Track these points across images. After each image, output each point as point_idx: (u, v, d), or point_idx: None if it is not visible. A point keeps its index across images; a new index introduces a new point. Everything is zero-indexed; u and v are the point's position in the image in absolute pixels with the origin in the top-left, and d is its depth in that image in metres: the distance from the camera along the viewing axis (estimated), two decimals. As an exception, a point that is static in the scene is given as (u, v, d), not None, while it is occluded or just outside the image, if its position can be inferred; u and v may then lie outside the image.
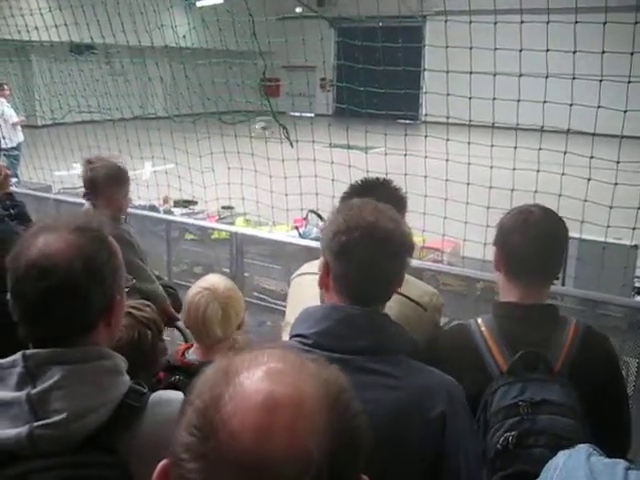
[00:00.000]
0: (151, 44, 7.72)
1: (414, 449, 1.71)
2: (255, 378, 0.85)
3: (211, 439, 0.80)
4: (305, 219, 6.32)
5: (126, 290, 1.68)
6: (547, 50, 4.70)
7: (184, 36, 7.66)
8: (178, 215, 7.26)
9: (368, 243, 1.76)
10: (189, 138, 7.53)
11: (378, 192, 2.57)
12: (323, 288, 1.88)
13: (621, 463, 1.49)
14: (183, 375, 2.71)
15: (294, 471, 0.79)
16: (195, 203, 7.96)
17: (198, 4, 15.12)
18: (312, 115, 11.12)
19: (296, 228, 6.14)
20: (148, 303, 2.65)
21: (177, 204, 7.95)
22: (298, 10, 26.51)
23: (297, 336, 1.81)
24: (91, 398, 1.43)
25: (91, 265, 1.48)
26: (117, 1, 7.39)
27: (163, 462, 0.87)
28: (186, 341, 3.58)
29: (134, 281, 1.88)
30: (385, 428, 1.68)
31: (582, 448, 1.57)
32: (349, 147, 6.36)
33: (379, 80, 7.17)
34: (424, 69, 20.23)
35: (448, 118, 5.37)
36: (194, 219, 7.06)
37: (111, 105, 8.35)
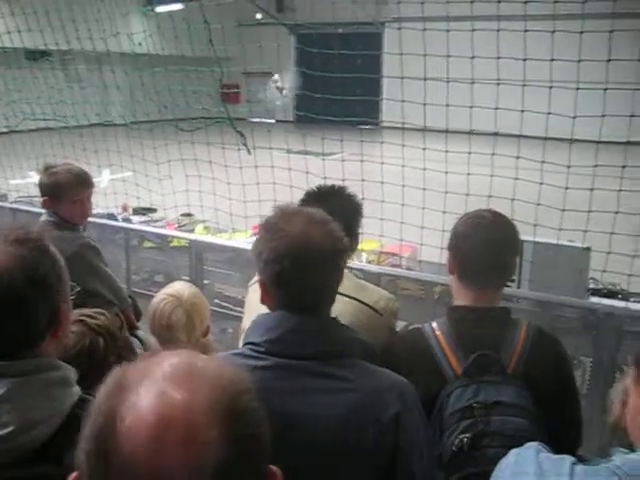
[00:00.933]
0: (107, 51, 7.64)
1: (369, 450, 1.73)
2: (148, 393, 0.85)
3: (106, 459, 0.81)
4: (264, 225, 6.29)
5: (72, 297, 1.66)
6: (498, 57, 4.80)
7: (140, 43, 7.60)
8: (137, 223, 7.19)
9: (300, 266, 1.78)
10: (146, 145, 7.47)
11: (333, 199, 2.60)
12: (266, 304, 1.90)
13: (568, 459, 1.54)
14: None
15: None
16: (154, 211, 7.88)
17: (158, 9, 15.02)
18: (273, 121, 11.12)
19: (255, 235, 6.12)
20: (103, 311, 2.63)
21: (136, 212, 7.87)
22: (258, 16, 26.58)
23: (249, 344, 1.83)
24: (39, 410, 1.41)
25: (34, 276, 1.46)
26: (71, 8, 7.30)
27: (72, 475, 0.88)
28: (145, 350, 3.57)
29: (78, 288, 1.87)
30: (339, 430, 1.70)
31: (531, 446, 1.62)
32: (306, 153, 6.38)
33: (338, 86, 7.21)
34: (382, 76, 20.53)
35: (404, 124, 5.42)
36: (153, 227, 7.00)
37: (67, 112, 8.24)
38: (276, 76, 20.01)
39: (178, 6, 11.92)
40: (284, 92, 27.58)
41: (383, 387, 1.81)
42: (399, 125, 6.03)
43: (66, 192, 3.88)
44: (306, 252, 1.78)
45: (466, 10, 5.45)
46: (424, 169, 5.43)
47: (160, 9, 14.75)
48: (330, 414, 1.72)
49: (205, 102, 8.35)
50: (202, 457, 0.82)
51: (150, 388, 0.85)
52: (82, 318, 2.43)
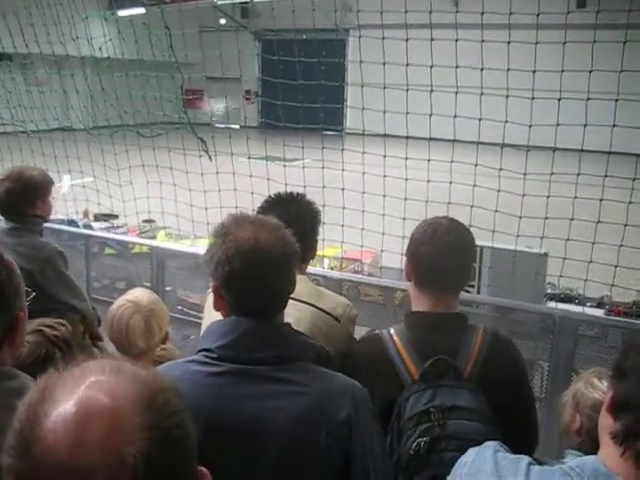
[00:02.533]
0: (66, 55, 7.55)
1: (323, 453, 1.75)
2: (68, 394, 0.87)
3: (28, 458, 0.83)
4: (227, 232, 6.28)
5: (27, 303, 1.64)
6: (456, 67, 4.88)
7: (100, 48, 7.52)
8: (98, 229, 7.12)
9: (250, 267, 1.81)
10: (107, 151, 7.40)
11: (291, 206, 2.61)
12: (220, 311, 1.91)
13: (525, 459, 1.56)
14: None
15: (110, 478, 0.82)
16: (116, 217, 7.80)
17: (120, 13, 14.85)
18: (237, 127, 11.07)
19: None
20: (64, 322, 2.61)
21: (97, 218, 7.78)
22: (222, 21, 26.50)
23: (202, 350, 1.83)
24: None
25: None
26: (30, 11, 7.20)
27: None
28: None
29: (34, 294, 1.84)
30: (293, 434, 1.72)
31: (489, 445, 1.64)
32: (267, 159, 6.39)
33: (303, 92, 7.23)
34: (345, 83, 20.61)
35: (364, 131, 5.47)
36: (114, 233, 6.93)
37: (25, 117, 8.11)
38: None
39: (140, 10, 11.81)
40: (251, 99, 27.56)
41: (335, 390, 1.83)
42: (360, 132, 6.07)
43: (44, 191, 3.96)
44: (255, 253, 1.80)
45: (426, 18, 5.51)
46: (384, 176, 5.48)
47: (122, 13, 14.62)
48: (283, 418, 1.75)
49: (167, 108, 8.30)
50: (123, 449, 0.83)
51: (71, 391, 0.88)
52: (40, 328, 2.41)
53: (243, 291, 1.83)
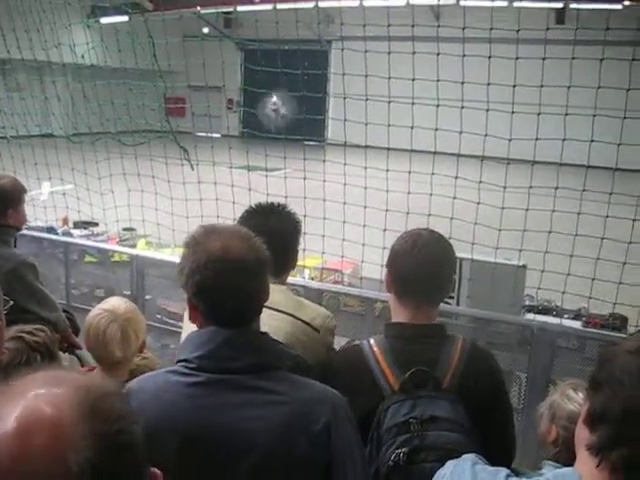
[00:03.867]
0: (48, 61, 7.51)
1: (302, 461, 1.76)
2: (10, 408, 0.88)
3: None
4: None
5: (5, 312, 1.64)
6: (438, 80, 4.93)
7: (82, 55, 7.49)
8: (78, 237, 7.07)
9: (221, 275, 1.81)
10: (88, 159, 7.36)
11: (272, 217, 2.62)
12: (195, 322, 1.92)
13: (503, 471, 1.58)
14: None
15: None
16: (96, 225, 7.76)
17: (103, 21, 14.80)
18: (219, 136, 11.05)
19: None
20: (43, 328, 2.60)
21: (77, 226, 7.74)
22: (205, 30, 26.49)
23: (181, 361, 1.84)
24: None
25: None
26: (11, 17, 7.16)
27: None
28: (82, 366, 3.53)
29: (12, 302, 1.84)
30: (272, 443, 1.73)
31: (468, 458, 1.65)
32: (249, 169, 6.40)
33: (285, 102, 7.26)
34: (327, 93, 20.73)
35: (345, 143, 5.50)
36: (94, 241, 6.89)
37: (5, 123, 8.06)
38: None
39: (123, 18, 11.80)
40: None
41: (313, 399, 1.84)
42: (342, 143, 6.10)
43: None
44: (226, 261, 1.81)
45: (408, 31, 5.57)
46: (365, 187, 5.51)
47: (105, 21, 14.57)
48: (262, 427, 1.75)
49: (149, 116, 8.28)
50: (67, 458, 0.84)
51: (14, 402, 0.88)
52: (20, 335, 2.41)
53: (216, 300, 1.84)
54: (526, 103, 5.13)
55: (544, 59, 4.75)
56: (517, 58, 4.67)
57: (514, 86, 4.63)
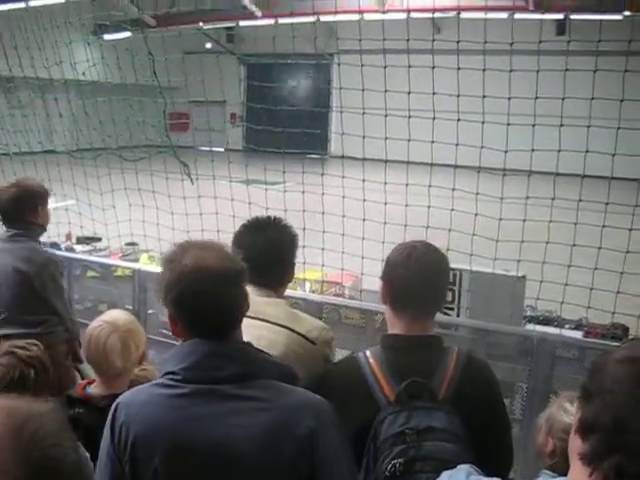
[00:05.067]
0: (50, 79, 7.59)
1: (287, 467, 1.79)
2: None
3: None
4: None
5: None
6: (434, 93, 4.98)
7: (83, 73, 7.56)
8: (80, 252, 7.10)
9: (197, 286, 1.85)
10: (90, 174, 7.41)
11: (269, 230, 2.65)
12: (178, 337, 1.96)
13: None
14: (83, 408, 2.74)
15: None
16: (99, 240, 7.80)
17: (106, 37, 14.91)
18: (222, 150, 11.08)
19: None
20: (36, 342, 2.63)
21: (80, 241, 7.77)
22: (208, 45, 26.66)
23: (167, 374, 1.88)
24: None
25: None
26: (13, 34, 7.25)
27: None
28: (83, 379, 3.56)
29: (5, 314, 1.88)
30: (257, 449, 1.76)
31: (462, 468, 1.67)
32: (248, 182, 6.44)
33: (288, 116, 7.32)
34: (330, 107, 20.78)
35: (343, 155, 5.55)
36: (97, 256, 6.92)
37: (8, 140, 8.13)
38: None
39: (125, 34, 11.90)
40: (236, 123, 27.67)
41: (298, 404, 1.87)
42: (345, 156, 6.15)
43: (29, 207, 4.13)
44: (199, 272, 1.85)
45: (408, 44, 5.63)
46: (364, 200, 5.55)
47: (109, 36, 14.68)
48: (247, 434, 1.78)
49: (150, 131, 8.35)
50: None
51: None
52: (12, 350, 2.44)
53: (194, 311, 1.88)
54: (522, 113, 5.18)
55: (538, 71, 4.80)
56: (511, 70, 4.72)
57: (509, 98, 4.68)
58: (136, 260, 6.70)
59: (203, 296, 1.85)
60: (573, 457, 1.46)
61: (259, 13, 22.63)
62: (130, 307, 5.59)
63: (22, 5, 9.59)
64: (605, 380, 1.40)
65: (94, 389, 2.89)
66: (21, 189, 4.10)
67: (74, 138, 9.06)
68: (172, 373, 1.86)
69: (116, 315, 2.99)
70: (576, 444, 1.45)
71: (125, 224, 6.70)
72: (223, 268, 1.87)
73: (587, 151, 4.92)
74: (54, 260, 4.29)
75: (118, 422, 1.88)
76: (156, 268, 6.08)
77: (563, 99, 4.87)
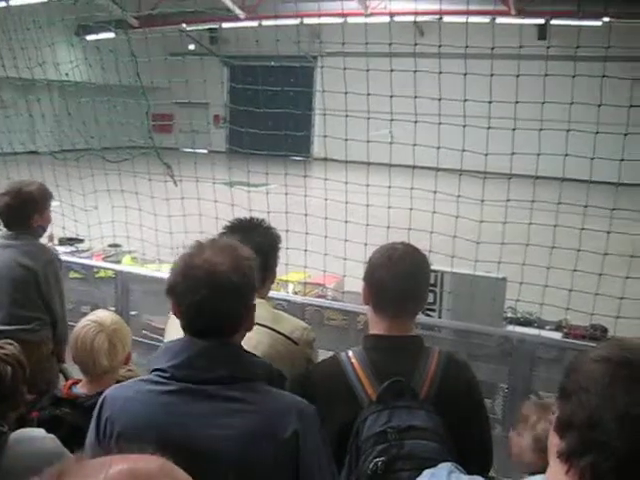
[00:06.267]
0: (33, 79, 7.54)
1: (270, 469, 1.82)
2: None
3: None
4: (193, 256, 6.32)
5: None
6: (415, 97, 5.02)
7: (67, 73, 7.52)
8: (63, 253, 7.06)
9: (190, 284, 1.89)
10: (72, 176, 7.38)
11: (251, 232, 2.67)
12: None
13: (477, 479, 1.62)
14: (68, 407, 2.75)
15: None
16: (81, 241, 7.76)
17: (89, 38, 14.83)
18: (205, 152, 11.06)
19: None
20: (11, 342, 2.63)
21: (62, 242, 7.72)
22: (191, 47, 26.56)
23: (156, 370, 1.89)
24: None
25: None
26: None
27: None
28: (67, 380, 3.56)
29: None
30: (241, 450, 1.78)
31: (444, 466, 1.70)
32: (231, 184, 6.45)
33: (271, 118, 7.32)
34: (313, 109, 20.78)
35: (326, 158, 5.58)
36: (79, 257, 6.89)
37: (-10, 140, 8.07)
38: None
39: (109, 35, 11.84)
40: (220, 124, 27.59)
41: (283, 408, 1.89)
42: (328, 158, 6.17)
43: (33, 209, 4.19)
44: (205, 278, 1.87)
45: (393, 47, 5.67)
46: (346, 202, 5.58)
47: (92, 37, 14.59)
48: (233, 435, 1.80)
49: (133, 133, 8.32)
50: None
51: None
52: None
53: (192, 311, 1.90)
54: (503, 117, 5.24)
55: (518, 76, 4.88)
56: (492, 75, 4.78)
57: (490, 102, 4.74)
58: (119, 261, 6.67)
59: (202, 303, 1.87)
60: (551, 455, 1.49)
61: (242, 15, 22.62)
62: (112, 309, 5.57)
63: (3, 4, 9.55)
64: (581, 379, 1.43)
65: (80, 389, 2.90)
66: (17, 199, 4.11)
67: (57, 139, 9.02)
68: (160, 370, 1.87)
69: (103, 315, 3.02)
70: (554, 442, 1.48)
71: (108, 225, 6.68)
72: (229, 281, 1.89)
73: (566, 155, 4.99)
74: (59, 259, 4.41)
75: (104, 416, 1.89)
76: (139, 269, 6.08)
77: (543, 103, 4.93)
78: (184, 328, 1.94)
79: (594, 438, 1.37)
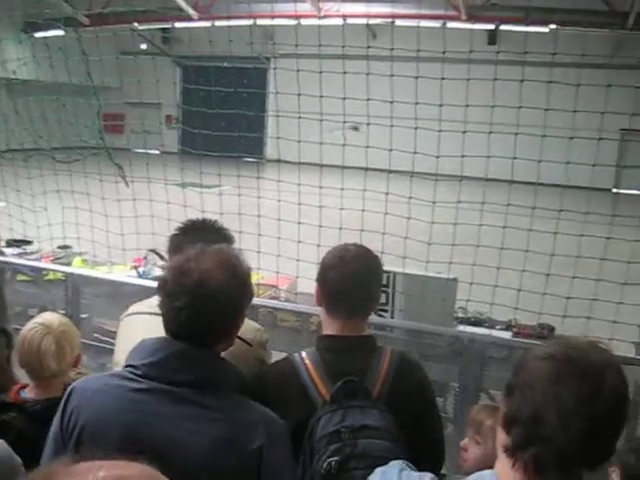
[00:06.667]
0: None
1: (234, 477, 1.82)
2: None
3: None
4: (145, 258, 6.26)
5: None
6: (368, 99, 5.08)
7: (14, 71, 7.36)
8: (10, 255, 6.91)
9: (171, 290, 1.91)
10: (21, 176, 7.23)
11: (205, 233, 2.66)
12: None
13: (428, 475, 1.66)
14: (16, 412, 2.69)
15: None
16: (29, 243, 7.60)
17: (38, 35, 14.52)
18: (158, 152, 10.97)
19: (135, 268, 6.06)
20: None
21: (9, 244, 7.55)
22: (143, 46, 26.25)
23: (129, 366, 1.88)
24: None
25: None
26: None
27: None
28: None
29: None
30: (206, 459, 1.77)
31: (395, 464, 1.73)
32: (184, 185, 6.41)
33: (224, 119, 7.29)
34: (266, 111, 20.80)
35: (279, 160, 5.59)
36: (27, 259, 6.75)
37: None
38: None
39: (58, 32, 11.62)
40: (172, 124, 27.35)
41: (251, 421, 1.90)
42: (281, 159, 6.18)
43: None
44: (184, 279, 1.90)
45: (346, 50, 5.72)
46: (299, 203, 5.60)
47: (40, 34, 14.29)
48: (198, 441, 1.79)
49: (83, 133, 8.19)
50: None
51: None
52: None
53: (172, 315, 1.91)
54: (454, 120, 5.35)
55: (468, 80, 4.98)
56: (443, 79, 4.87)
57: (441, 105, 4.83)
58: (69, 263, 6.56)
59: (183, 311, 1.88)
60: (499, 450, 1.54)
61: (195, 15, 22.47)
62: (62, 312, 5.48)
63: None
64: (526, 376, 1.49)
65: (28, 393, 2.85)
66: None
67: (4, 138, 8.80)
68: (133, 367, 1.87)
69: (50, 317, 2.97)
70: (501, 438, 1.53)
71: (58, 227, 6.56)
72: (213, 299, 1.90)
73: (515, 158, 5.10)
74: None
75: (70, 406, 1.86)
76: (90, 271, 5.98)
77: (492, 107, 5.04)
78: (164, 327, 1.94)
79: (538, 432, 1.42)
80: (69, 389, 1.91)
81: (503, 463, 1.51)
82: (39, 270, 6.23)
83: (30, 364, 2.84)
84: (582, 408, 1.40)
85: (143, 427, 1.78)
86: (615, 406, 1.44)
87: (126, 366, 1.89)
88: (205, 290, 1.88)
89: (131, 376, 1.85)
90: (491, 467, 1.57)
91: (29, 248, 7.44)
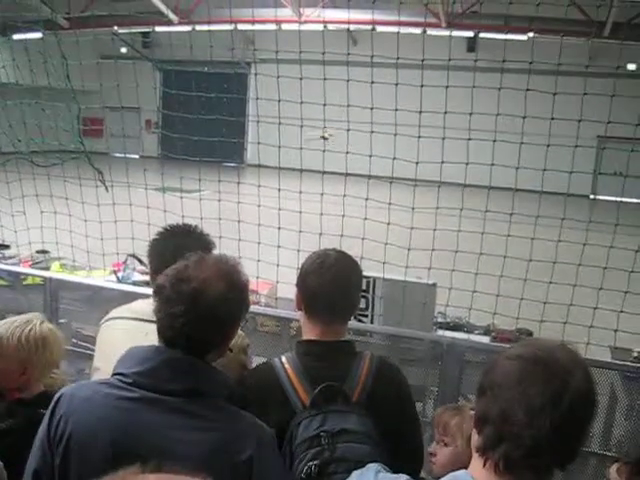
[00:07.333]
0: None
1: None
2: None
3: None
4: (124, 263, 6.24)
5: None
6: (348, 105, 5.11)
7: (-6, 74, 7.29)
8: (-13, 260, 6.85)
9: (165, 297, 1.91)
10: (-2, 179, 7.17)
11: (186, 238, 2.66)
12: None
13: (403, 477, 1.68)
14: None
15: None
16: (7, 247, 7.53)
17: (16, 37, 14.39)
18: (137, 157, 10.92)
19: (114, 272, 6.03)
20: None
21: (-14, 249, 7.48)
22: (123, 50, 26.13)
23: (118, 374, 1.87)
24: None
25: None
26: None
27: None
28: None
29: None
30: (197, 467, 1.76)
31: (371, 467, 1.75)
32: (164, 190, 6.39)
33: (204, 124, 7.27)
34: (247, 115, 20.77)
35: (259, 165, 5.60)
36: (5, 264, 6.69)
37: None
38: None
39: (37, 35, 11.54)
40: (152, 129, 27.25)
41: (242, 430, 1.89)
42: (261, 165, 6.19)
43: None
44: (182, 287, 1.90)
45: (326, 56, 5.75)
46: (279, 208, 5.61)
47: (18, 36, 14.17)
48: (189, 451, 1.78)
49: (63, 137, 8.12)
50: None
51: None
52: None
53: (165, 321, 1.91)
54: (431, 125, 5.40)
55: (447, 87, 5.03)
56: (422, 86, 4.92)
57: (420, 112, 4.88)
58: (47, 268, 6.52)
59: (176, 318, 1.87)
60: (473, 451, 1.57)
61: (176, 20, 22.42)
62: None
63: None
64: (496, 376, 1.52)
65: None
66: None
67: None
68: (122, 375, 1.85)
69: (31, 316, 2.93)
70: (474, 438, 1.56)
71: (36, 231, 6.50)
72: (209, 310, 1.89)
73: (493, 164, 5.16)
74: None
75: (58, 413, 1.84)
76: (68, 276, 5.94)
77: (471, 114, 5.09)
78: (158, 332, 1.93)
79: (507, 430, 1.46)
80: (57, 395, 1.89)
81: (475, 463, 1.54)
82: (17, 274, 6.18)
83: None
84: (548, 407, 1.43)
85: (132, 436, 1.77)
86: (581, 406, 1.47)
87: (115, 374, 1.88)
88: (203, 299, 1.88)
89: (120, 384, 1.84)
90: (464, 466, 1.60)
91: (7, 252, 7.37)
